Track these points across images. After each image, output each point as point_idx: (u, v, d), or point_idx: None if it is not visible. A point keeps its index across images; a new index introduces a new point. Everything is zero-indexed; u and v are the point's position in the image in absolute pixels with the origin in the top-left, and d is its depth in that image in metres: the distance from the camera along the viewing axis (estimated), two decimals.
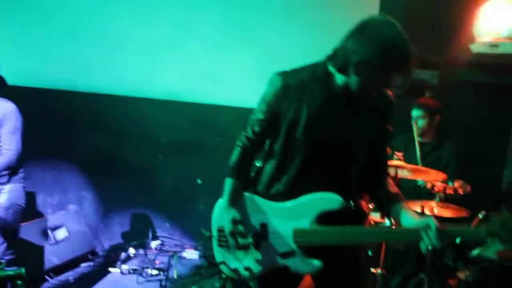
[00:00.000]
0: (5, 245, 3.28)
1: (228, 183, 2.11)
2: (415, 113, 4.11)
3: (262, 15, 4.70)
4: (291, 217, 2.01)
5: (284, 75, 1.98)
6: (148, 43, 4.76)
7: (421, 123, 4.09)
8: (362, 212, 2.12)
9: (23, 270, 0.99)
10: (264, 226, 2.06)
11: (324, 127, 1.95)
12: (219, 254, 2.21)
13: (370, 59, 1.76)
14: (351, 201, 1.99)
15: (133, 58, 4.79)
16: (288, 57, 4.55)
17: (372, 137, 2.02)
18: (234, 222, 2.01)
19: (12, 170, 3.32)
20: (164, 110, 4.80)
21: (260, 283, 2.16)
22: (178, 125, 4.80)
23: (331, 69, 1.91)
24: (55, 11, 4.85)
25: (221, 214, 2.09)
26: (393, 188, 2.10)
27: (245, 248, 2.05)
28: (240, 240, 2.02)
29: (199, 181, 4.80)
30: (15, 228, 3.42)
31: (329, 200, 1.96)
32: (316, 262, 1.99)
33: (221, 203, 2.13)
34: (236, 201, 2.09)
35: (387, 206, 2.05)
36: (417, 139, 4.08)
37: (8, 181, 3.31)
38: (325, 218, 1.97)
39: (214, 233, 2.19)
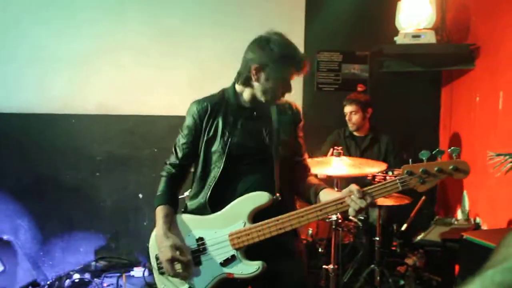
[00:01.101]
0: None
1: (160, 211, 2.17)
2: (348, 108, 4.25)
3: (190, 22, 4.66)
4: (226, 224, 2.07)
5: (198, 101, 2.25)
6: (73, 57, 4.57)
7: (355, 118, 4.23)
8: (292, 204, 2.24)
9: None
10: (201, 240, 2.11)
11: (238, 137, 2.15)
12: (160, 283, 2.23)
13: (265, 62, 2.07)
14: (277, 194, 2.09)
15: (59, 74, 4.57)
16: (218, 62, 4.54)
17: (287, 137, 2.22)
18: (175, 247, 2.06)
19: None
20: (96, 125, 4.63)
21: None
22: (112, 139, 4.65)
23: (238, 88, 2.22)
24: None
25: (160, 243, 2.10)
26: (315, 180, 2.27)
27: (184, 271, 2.08)
28: (177, 266, 2.07)
29: (140, 195, 4.67)
30: None
31: (256, 197, 2.06)
32: (258, 262, 2.02)
33: (156, 234, 2.15)
34: (171, 226, 2.13)
35: (309, 195, 2.17)
36: (352, 133, 4.23)
37: None
38: (258, 216, 2.05)
39: (153, 263, 2.21)
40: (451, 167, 1.83)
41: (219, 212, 2.11)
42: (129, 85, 4.65)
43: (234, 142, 2.13)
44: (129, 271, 4.49)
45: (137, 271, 4.48)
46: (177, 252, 2.05)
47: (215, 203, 2.12)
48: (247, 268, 2.03)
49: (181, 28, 4.65)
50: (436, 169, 1.85)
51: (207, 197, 2.14)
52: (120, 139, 4.66)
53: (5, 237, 4.54)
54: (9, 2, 4.51)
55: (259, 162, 2.15)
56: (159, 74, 4.67)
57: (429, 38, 4.29)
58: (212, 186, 2.13)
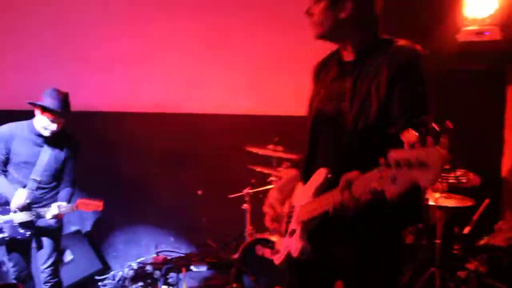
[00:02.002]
0: None
1: None
2: None
3: (245, 21, 4.70)
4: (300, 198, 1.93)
5: None
6: (132, 57, 4.74)
7: None
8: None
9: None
10: (292, 207, 1.98)
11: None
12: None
13: None
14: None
15: (119, 74, 4.75)
16: (275, 60, 4.56)
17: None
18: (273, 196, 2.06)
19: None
20: (155, 123, 4.78)
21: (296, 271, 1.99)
22: (169, 137, 4.77)
23: None
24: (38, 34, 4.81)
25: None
26: None
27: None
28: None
29: (199, 192, 4.78)
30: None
31: (318, 174, 1.83)
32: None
33: None
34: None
35: None
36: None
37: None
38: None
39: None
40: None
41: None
42: (186, 83, 4.76)
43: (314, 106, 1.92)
44: (189, 265, 4.62)
45: (196, 266, 4.60)
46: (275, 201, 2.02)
47: (305, 174, 1.94)
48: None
49: (238, 26, 4.69)
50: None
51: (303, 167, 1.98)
52: (178, 137, 4.77)
53: (74, 228, 4.80)
54: (73, 7, 4.73)
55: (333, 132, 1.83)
56: (216, 73, 4.74)
57: (494, 34, 4.13)
58: (304, 156, 1.96)
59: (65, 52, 4.81)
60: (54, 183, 3.53)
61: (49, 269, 3.53)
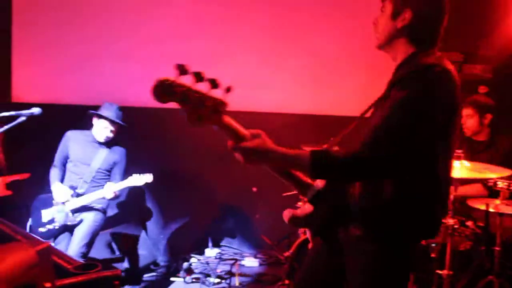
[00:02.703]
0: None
1: None
2: (463, 112, 3.93)
3: (307, 19, 4.72)
4: None
5: None
6: (191, 55, 4.87)
7: (469, 122, 3.95)
8: None
9: (120, 270, 1.05)
10: None
11: None
12: None
13: None
14: None
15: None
16: (335, 60, 4.56)
17: None
18: None
19: None
20: None
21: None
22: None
23: None
24: (101, 33, 5.06)
25: None
26: None
27: None
28: None
29: (254, 189, 4.85)
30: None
31: None
32: None
33: None
34: None
35: None
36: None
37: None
38: None
39: None
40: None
41: None
42: (245, 82, 4.84)
43: None
44: (240, 260, 4.70)
45: (248, 261, 4.68)
46: None
47: None
48: None
49: (298, 25, 4.73)
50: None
51: None
52: None
53: (132, 219, 4.99)
54: (131, 6, 4.93)
55: None
56: (275, 71, 4.79)
57: None
58: None
59: (128, 51, 5.03)
60: (103, 184, 3.96)
61: (79, 252, 3.75)
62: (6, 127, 3.11)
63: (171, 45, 4.90)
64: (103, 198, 3.87)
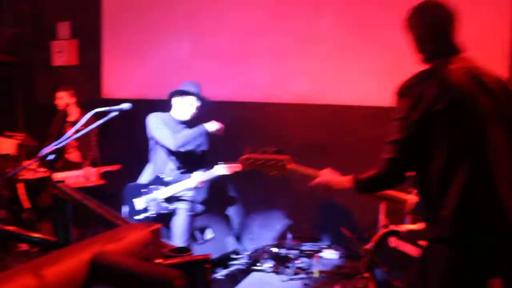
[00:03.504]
0: None
1: None
2: None
3: (384, 9, 4.62)
4: None
5: None
6: (275, 48, 4.94)
7: None
8: None
9: (210, 254, 1.12)
10: None
11: None
12: None
13: None
14: None
15: (262, 66, 4.99)
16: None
17: None
18: None
19: None
20: (295, 113, 4.92)
21: None
22: (310, 127, 4.88)
23: None
24: (184, 31, 5.25)
25: None
26: None
27: None
28: None
29: None
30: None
31: None
32: None
33: None
34: None
35: None
36: None
37: None
38: None
39: None
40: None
41: None
42: (325, 75, 4.83)
43: None
44: (320, 252, 4.72)
45: (328, 253, 4.69)
46: None
47: None
48: None
49: (376, 16, 4.64)
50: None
51: None
52: (316, 128, 4.87)
53: (215, 209, 5.17)
54: (213, 5, 5.05)
55: None
56: (354, 64, 4.74)
57: None
58: None
59: (213, 46, 5.19)
60: (191, 166, 3.92)
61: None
62: (100, 121, 3.30)
63: (253, 41, 5.00)
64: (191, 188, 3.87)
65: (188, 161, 3.94)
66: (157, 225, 0.67)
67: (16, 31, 6.30)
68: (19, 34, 6.35)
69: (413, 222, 3.63)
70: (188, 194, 3.96)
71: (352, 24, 4.72)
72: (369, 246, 3.70)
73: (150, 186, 3.94)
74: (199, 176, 3.81)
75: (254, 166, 2.27)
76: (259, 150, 2.25)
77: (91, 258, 0.57)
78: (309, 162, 4.85)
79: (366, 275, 3.68)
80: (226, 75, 5.13)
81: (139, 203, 3.94)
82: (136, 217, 3.91)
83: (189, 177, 3.85)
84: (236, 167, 3.84)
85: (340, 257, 4.55)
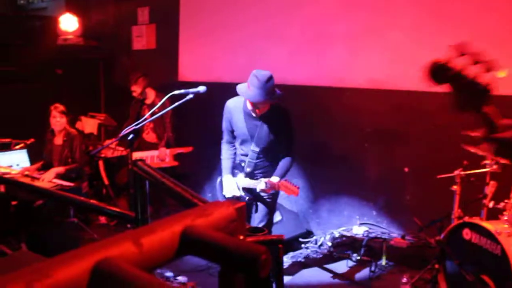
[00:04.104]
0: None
1: None
2: None
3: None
4: None
5: None
6: (348, 33, 4.88)
7: None
8: None
9: (283, 235, 1.17)
10: None
11: None
12: None
13: None
14: None
15: (334, 51, 4.95)
16: (490, 37, 4.21)
17: None
18: None
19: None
20: (368, 99, 4.85)
21: None
22: (382, 113, 4.80)
23: None
24: (258, 15, 5.29)
25: None
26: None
27: None
28: None
29: (406, 169, 4.74)
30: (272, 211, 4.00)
31: None
32: None
33: None
34: None
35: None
36: None
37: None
38: None
39: None
40: None
41: None
42: (398, 60, 4.71)
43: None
44: (388, 241, 4.65)
45: (396, 242, 4.62)
46: None
47: None
48: None
49: (453, 4, 4.46)
50: None
51: None
52: (388, 113, 4.78)
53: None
54: None
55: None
56: (429, 49, 4.58)
57: None
58: None
59: (284, 31, 5.21)
60: (270, 153, 3.79)
61: None
62: (176, 104, 3.43)
63: (326, 26, 4.97)
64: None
65: (263, 151, 3.78)
66: (242, 203, 0.72)
67: (101, 17, 6.64)
68: (103, 20, 6.68)
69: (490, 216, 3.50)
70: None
71: (428, 8, 4.56)
72: (441, 237, 3.62)
73: (235, 170, 3.90)
74: (263, 185, 3.64)
75: (442, 80, 1.52)
76: (468, 53, 1.45)
77: (182, 230, 0.62)
78: (381, 150, 4.82)
79: (436, 266, 3.61)
80: (299, 59, 5.15)
81: (226, 189, 3.88)
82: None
83: (269, 162, 3.77)
84: (294, 191, 3.60)
85: (410, 246, 4.47)
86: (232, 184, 3.82)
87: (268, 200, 3.86)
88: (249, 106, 3.64)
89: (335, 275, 4.28)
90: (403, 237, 4.61)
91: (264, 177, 3.74)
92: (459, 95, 1.45)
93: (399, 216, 4.76)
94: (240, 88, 3.63)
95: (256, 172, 3.82)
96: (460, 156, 3.80)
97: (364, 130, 4.92)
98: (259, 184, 3.67)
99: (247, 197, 3.83)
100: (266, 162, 3.82)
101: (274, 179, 3.65)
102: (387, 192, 4.84)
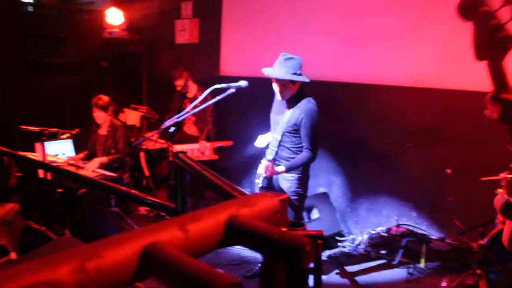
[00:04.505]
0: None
1: None
2: None
3: None
4: None
5: None
6: (396, 29, 4.78)
7: None
8: None
9: (323, 231, 1.16)
10: None
11: None
12: None
13: None
14: None
15: (378, 47, 4.87)
16: None
17: None
18: None
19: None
20: (411, 97, 4.75)
21: None
22: (426, 113, 4.69)
23: None
24: (303, 9, 5.26)
25: None
26: None
27: None
28: None
29: (448, 170, 4.62)
30: (295, 211, 3.91)
31: None
32: None
33: None
34: None
35: None
36: None
37: (295, 170, 3.81)
38: None
39: None
40: None
41: None
42: (446, 58, 4.59)
43: None
44: (428, 243, 4.56)
45: (436, 244, 4.52)
46: None
47: None
48: None
49: None
50: None
51: None
52: (432, 113, 4.67)
53: (321, 189, 5.21)
54: None
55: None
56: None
57: None
58: None
59: (330, 25, 5.16)
60: (290, 144, 3.79)
61: None
62: (218, 98, 3.45)
63: (371, 20, 4.89)
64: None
65: (283, 140, 3.82)
66: (286, 195, 0.72)
67: (145, 11, 6.76)
68: (148, 14, 6.80)
69: None
70: (289, 176, 3.81)
71: None
72: (484, 241, 3.52)
73: (263, 158, 3.99)
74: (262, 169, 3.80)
75: (473, 16, 1.47)
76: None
77: (227, 219, 0.63)
78: (423, 150, 4.72)
79: (478, 271, 3.51)
80: (344, 55, 5.09)
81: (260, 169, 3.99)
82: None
83: (290, 152, 3.80)
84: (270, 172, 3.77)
85: (450, 249, 4.36)
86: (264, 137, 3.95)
87: (292, 197, 3.82)
88: (275, 89, 3.72)
89: (372, 275, 4.23)
90: (443, 240, 4.51)
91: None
92: (480, 37, 1.39)
93: (439, 218, 4.66)
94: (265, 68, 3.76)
95: (277, 161, 3.84)
96: (507, 159, 3.67)
97: (406, 129, 4.82)
98: (261, 167, 3.81)
99: (263, 185, 3.85)
100: (287, 152, 3.81)
101: (280, 168, 3.75)
102: (428, 193, 4.73)
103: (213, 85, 3.49)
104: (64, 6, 7.02)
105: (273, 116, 3.92)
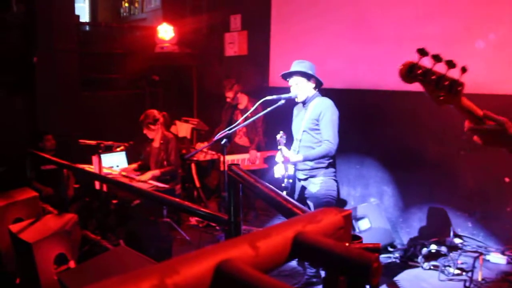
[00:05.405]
0: None
1: None
2: None
3: None
4: None
5: None
6: (445, 34, 4.68)
7: None
8: None
9: (379, 244, 1.16)
10: None
11: None
12: None
13: None
14: None
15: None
16: None
17: None
18: None
19: (327, 163, 3.79)
20: None
21: None
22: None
23: None
24: (350, 18, 5.24)
25: None
26: None
27: None
28: None
29: (507, 179, 4.46)
30: None
31: None
32: None
33: None
34: None
35: None
36: None
37: (322, 174, 3.78)
38: None
39: None
40: None
41: None
42: (499, 64, 4.44)
43: None
44: (485, 255, 4.40)
45: (495, 257, 4.36)
46: None
47: None
48: None
49: None
50: None
51: None
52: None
53: (372, 199, 5.14)
54: None
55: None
56: None
57: None
58: None
59: (378, 33, 5.11)
60: (310, 143, 3.78)
61: None
62: (269, 109, 3.50)
63: (420, 26, 4.81)
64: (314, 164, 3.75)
65: (303, 141, 3.83)
66: (349, 211, 0.74)
67: (195, 25, 6.94)
68: (197, 28, 6.97)
69: None
70: (318, 179, 3.79)
71: None
72: None
73: None
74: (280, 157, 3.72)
75: (419, 81, 1.60)
76: (430, 55, 1.56)
77: (294, 236, 0.66)
78: (478, 158, 4.57)
79: None
80: (393, 63, 5.01)
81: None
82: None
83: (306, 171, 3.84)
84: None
85: (509, 262, 4.20)
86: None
87: (324, 199, 3.77)
88: (292, 91, 3.76)
89: None
90: (502, 253, 4.35)
91: (309, 172, 3.80)
92: (431, 91, 1.58)
93: (497, 229, 4.49)
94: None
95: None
96: None
97: (460, 137, 4.68)
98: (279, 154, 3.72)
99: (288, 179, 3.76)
100: (306, 151, 3.76)
101: (297, 157, 3.67)
102: (485, 203, 4.58)
103: (263, 96, 3.53)
104: (118, 25, 7.31)
105: (294, 124, 3.96)
